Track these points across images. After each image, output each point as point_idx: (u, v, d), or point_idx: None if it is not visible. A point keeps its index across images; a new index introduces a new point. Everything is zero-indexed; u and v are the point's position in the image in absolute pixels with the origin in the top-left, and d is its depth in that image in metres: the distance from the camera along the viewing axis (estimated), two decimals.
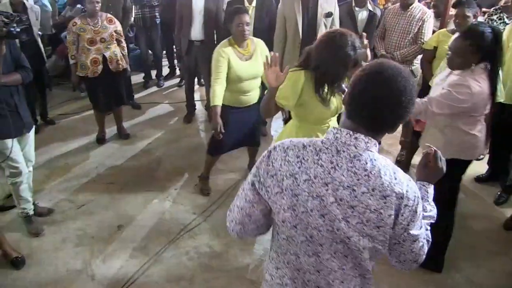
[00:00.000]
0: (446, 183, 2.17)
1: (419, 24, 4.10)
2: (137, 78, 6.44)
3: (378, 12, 4.42)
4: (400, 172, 1.32)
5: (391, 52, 4.18)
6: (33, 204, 3.62)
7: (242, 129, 3.84)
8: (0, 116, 3.03)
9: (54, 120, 5.45)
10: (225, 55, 3.46)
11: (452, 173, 2.25)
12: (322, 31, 4.05)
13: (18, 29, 2.78)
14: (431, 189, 1.61)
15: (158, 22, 6.16)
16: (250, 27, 4.44)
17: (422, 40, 4.12)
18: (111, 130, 5.15)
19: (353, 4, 4.35)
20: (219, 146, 3.87)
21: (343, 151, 1.29)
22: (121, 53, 4.68)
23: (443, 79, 2.85)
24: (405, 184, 1.29)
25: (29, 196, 3.49)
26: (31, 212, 3.55)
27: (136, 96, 6.04)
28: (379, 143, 1.33)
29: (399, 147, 4.69)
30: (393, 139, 4.90)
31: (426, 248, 1.44)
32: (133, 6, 5.94)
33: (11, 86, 3.14)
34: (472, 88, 2.57)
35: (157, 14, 6.11)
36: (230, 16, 3.51)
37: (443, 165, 1.62)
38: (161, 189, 4.13)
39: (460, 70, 2.70)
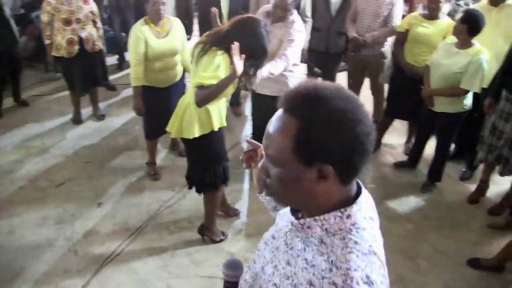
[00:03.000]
0: None
1: (389, 7, 4.21)
2: (111, 60, 6.40)
3: None
4: None
5: (362, 34, 4.31)
6: None
7: (169, 109, 3.84)
8: None
9: (27, 101, 5.40)
10: (142, 35, 3.46)
11: None
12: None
13: None
14: None
15: (132, 3, 6.12)
16: (225, 8, 4.56)
17: (392, 23, 4.25)
18: (86, 111, 5.15)
19: None
20: (152, 130, 3.92)
21: None
22: (97, 34, 4.68)
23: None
24: None
25: None
26: None
27: (111, 78, 6.01)
28: None
29: None
30: None
31: None
32: None
33: None
34: (301, 30, 3.44)
35: None
36: None
37: None
38: (139, 167, 4.19)
39: (282, 21, 3.42)
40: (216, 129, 2.89)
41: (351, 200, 1.02)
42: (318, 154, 0.94)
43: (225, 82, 2.57)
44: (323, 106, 0.93)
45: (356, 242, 0.96)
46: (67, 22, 4.41)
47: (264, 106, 3.82)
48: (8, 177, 3.98)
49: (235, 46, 2.49)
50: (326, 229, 0.99)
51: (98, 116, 5.11)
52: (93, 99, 5.10)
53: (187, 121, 2.82)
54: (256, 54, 2.63)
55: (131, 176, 4.08)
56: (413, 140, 4.44)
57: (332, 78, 5.05)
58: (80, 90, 4.88)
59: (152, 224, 3.49)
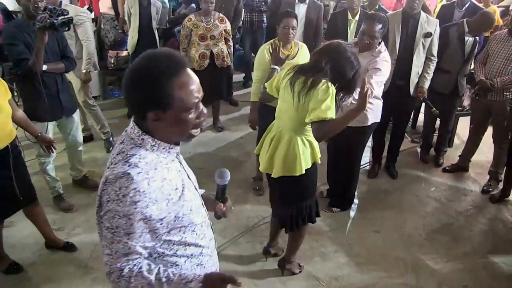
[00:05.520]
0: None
1: None
2: (237, 77, 6.80)
3: (477, 38, 4.42)
4: (132, 163, 1.34)
5: (491, 78, 4.11)
6: (85, 176, 4.17)
7: None
8: (41, 100, 3.30)
9: None
10: (267, 54, 3.60)
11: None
12: (419, 50, 4.10)
13: (59, 22, 3.12)
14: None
15: (264, 26, 6.48)
16: (352, 34, 4.63)
17: None
18: (207, 121, 5.51)
19: (466, 30, 4.32)
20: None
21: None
22: (227, 51, 5.03)
23: None
24: (110, 169, 1.35)
25: (55, 175, 3.84)
26: (61, 191, 3.90)
27: (235, 93, 6.41)
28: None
29: (487, 177, 4.57)
30: (482, 169, 4.79)
31: (116, 266, 1.38)
32: (243, 10, 6.31)
33: (55, 73, 3.50)
34: (388, 60, 3.42)
35: (264, 19, 6.43)
36: (279, 18, 3.68)
37: None
38: (246, 181, 4.39)
39: (369, 51, 3.42)
40: (319, 161, 2.89)
41: None
42: None
43: (351, 116, 2.49)
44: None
45: None
46: (202, 37, 4.82)
47: (339, 134, 3.75)
48: None
49: (365, 81, 2.43)
50: None
51: (217, 127, 5.47)
52: (215, 111, 5.46)
53: (291, 158, 2.74)
54: (348, 77, 2.56)
55: (237, 188, 4.28)
56: None
57: (451, 119, 4.89)
58: (204, 101, 5.22)
59: (248, 235, 3.64)
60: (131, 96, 1.36)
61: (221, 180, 1.68)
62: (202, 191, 1.74)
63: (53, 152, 3.37)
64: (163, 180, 1.37)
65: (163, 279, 1.38)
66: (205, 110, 1.43)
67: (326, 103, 2.46)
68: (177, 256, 1.49)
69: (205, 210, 1.65)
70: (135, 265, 1.39)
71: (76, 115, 3.87)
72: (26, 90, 3.47)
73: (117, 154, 1.39)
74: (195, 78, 1.38)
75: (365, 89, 2.39)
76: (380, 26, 3.35)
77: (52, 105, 3.42)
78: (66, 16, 3.21)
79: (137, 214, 1.31)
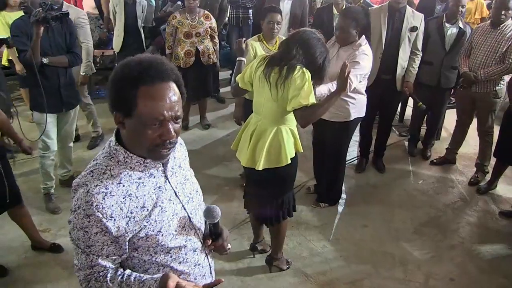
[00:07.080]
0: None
1: (509, 43, 3.98)
2: (224, 74, 6.78)
3: (468, 30, 4.40)
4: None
5: (474, 70, 4.12)
6: (72, 176, 4.07)
7: None
8: (40, 90, 3.29)
9: None
10: (252, 49, 3.60)
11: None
12: (405, 44, 4.10)
13: (52, 16, 3.20)
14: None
15: (250, 23, 6.45)
16: None
17: (510, 60, 3.99)
18: (194, 118, 5.51)
19: (444, 20, 4.35)
20: None
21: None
22: (213, 48, 5.01)
23: (334, 56, 3.42)
24: (80, 176, 1.33)
25: (52, 173, 3.84)
26: (52, 190, 3.89)
27: (222, 90, 6.39)
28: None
29: (474, 169, 4.59)
30: (469, 161, 4.82)
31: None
32: (229, 6, 6.28)
33: (59, 67, 3.55)
34: (368, 54, 3.35)
35: (250, 15, 6.40)
36: (263, 13, 3.68)
37: None
38: (233, 178, 4.38)
39: (348, 44, 3.40)
40: (301, 149, 2.89)
41: None
42: None
43: (333, 98, 2.57)
44: None
45: None
46: (188, 35, 4.80)
47: (323, 130, 3.75)
48: None
49: (346, 63, 2.48)
50: None
51: (204, 125, 5.45)
52: (202, 108, 5.45)
53: (276, 148, 2.72)
54: (319, 62, 2.59)
55: (224, 185, 4.27)
56: None
57: (440, 112, 4.89)
58: (191, 99, 5.22)
59: (235, 232, 3.63)
60: (108, 90, 1.31)
61: (211, 219, 1.50)
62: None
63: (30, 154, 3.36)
64: (125, 196, 1.29)
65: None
66: (172, 132, 1.27)
67: (305, 89, 2.49)
68: (149, 274, 1.40)
69: (194, 233, 1.51)
70: (101, 276, 1.36)
71: (74, 110, 3.89)
72: (29, 80, 3.59)
73: (93, 160, 1.37)
74: (171, 96, 1.26)
75: (346, 71, 2.45)
76: (353, 19, 3.34)
77: (52, 98, 3.50)
78: (60, 11, 3.28)
79: (92, 227, 1.26)
